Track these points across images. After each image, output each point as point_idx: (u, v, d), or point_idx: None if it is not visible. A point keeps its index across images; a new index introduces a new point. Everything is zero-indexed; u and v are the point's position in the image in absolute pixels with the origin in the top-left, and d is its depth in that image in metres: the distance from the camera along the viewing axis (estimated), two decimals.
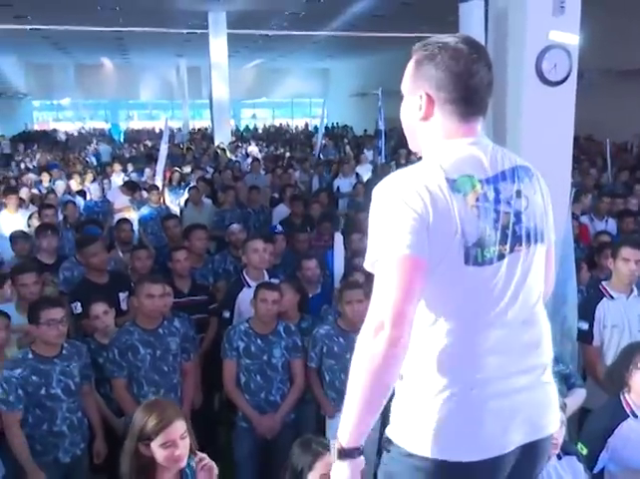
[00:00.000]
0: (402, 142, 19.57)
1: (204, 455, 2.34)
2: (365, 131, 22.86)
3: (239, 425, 3.48)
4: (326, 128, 28.06)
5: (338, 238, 4.37)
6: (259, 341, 3.46)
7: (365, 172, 11.20)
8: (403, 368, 1.41)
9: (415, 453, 1.41)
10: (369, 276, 4.08)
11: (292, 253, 5.10)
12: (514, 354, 1.46)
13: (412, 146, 1.58)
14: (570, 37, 3.72)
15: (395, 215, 1.35)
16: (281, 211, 7.10)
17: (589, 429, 2.63)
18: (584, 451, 2.52)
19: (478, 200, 1.40)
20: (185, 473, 2.27)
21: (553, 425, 1.56)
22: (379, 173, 10.12)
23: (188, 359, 3.58)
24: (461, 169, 1.42)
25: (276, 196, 8.17)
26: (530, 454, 1.51)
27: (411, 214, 1.34)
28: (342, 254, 4.37)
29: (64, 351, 3.19)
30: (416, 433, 1.42)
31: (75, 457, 3.17)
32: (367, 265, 1.42)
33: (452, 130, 1.47)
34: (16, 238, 5.15)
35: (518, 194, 1.47)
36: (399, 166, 12.71)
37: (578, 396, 3.04)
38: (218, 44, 16.34)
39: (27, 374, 3.03)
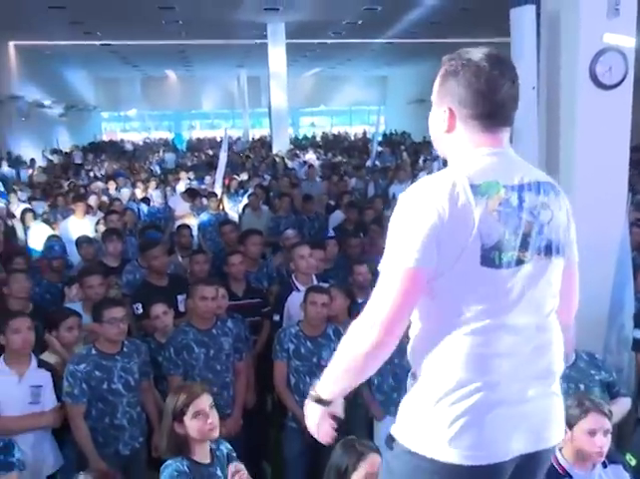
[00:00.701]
0: None
1: (241, 466, 2.46)
2: (424, 137, 22.73)
3: (289, 426, 3.56)
4: (384, 135, 28.14)
5: None
6: (309, 344, 3.54)
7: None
8: (416, 367, 1.49)
9: (417, 452, 1.44)
10: None
11: (344, 259, 5.17)
12: (525, 361, 1.47)
13: (440, 153, 1.62)
14: (626, 39, 3.65)
15: (410, 224, 1.40)
16: (337, 217, 7.18)
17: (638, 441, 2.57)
18: (633, 462, 2.47)
19: (500, 204, 1.43)
20: (217, 455, 2.40)
21: (557, 437, 1.55)
22: None
23: (241, 359, 3.70)
24: (485, 175, 1.45)
25: (332, 203, 8.25)
26: (530, 464, 1.52)
27: (426, 223, 1.38)
28: None
29: (124, 349, 3.37)
30: (420, 433, 1.45)
31: (134, 450, 3.33)
32: (381, 268, 1.46)
33: (475, 141, 1.50)
34: (81, 242, 5.44)
35: (544, 205, 1.49)
36: None
37: (622, 405, 2.97)
38: (277, 54, 16.66)
39: (90, 369, 3.22)
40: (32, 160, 17.21)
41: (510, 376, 1.45)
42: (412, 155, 17.28)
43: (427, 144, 18.81)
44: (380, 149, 18.02)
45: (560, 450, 2.45)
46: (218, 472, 2.43)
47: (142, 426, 3.40)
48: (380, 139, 26.34)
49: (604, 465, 2.39)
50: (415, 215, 1.40)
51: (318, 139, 28.83)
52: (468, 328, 1.43)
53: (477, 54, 1.49)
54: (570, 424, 2.39)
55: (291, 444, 3.54)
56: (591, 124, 3.74)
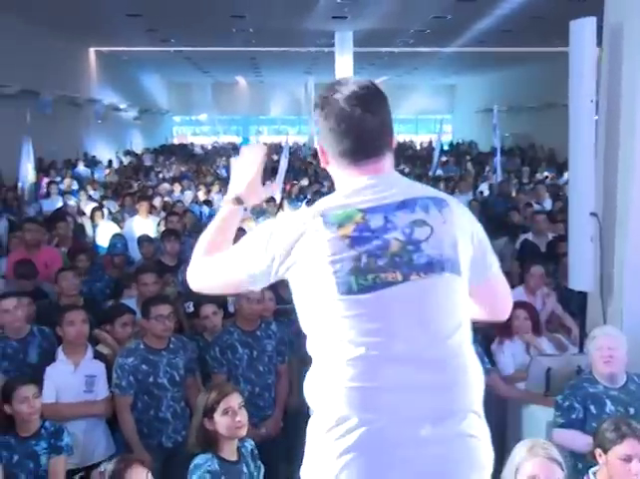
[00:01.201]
0: (525, 159, 18.88)
1: None
2: (492, 147, 22.33)
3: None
4: (450, 144, 27.80)
5: None
6: None
7: (487, 189, 11.01)
8: (308, 401, 1.45)
9: None
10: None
11: None
12: (415, 397, 1.34)
13: None
14: None
15: (257, 239, 1.46)
16: None
17: None
18: None
19: (355, 230, 1.37)
20: (242, 452, 2.46)
21: None
22: (496, 191, 9.90)
23: (283, 362, 3.77)
24: (344, 202, 1.42)
25: None
26: None
27: (267, 249, 1.42)
28: None
29: (171, 345, 3.50)
30: (310, 468, 1.42)
31: (177, 443, 3.44)
32: None
33: (347, 173, 1.48)
34: (142, 241, 5.68)
35: (418, 222, 1.41)
36: (521, 185, 12.30)
37: None
38: (344, 62, 16.79)
39: (138, 363, 3.37)
40: (110, 161, 18.03)
41: (397, 413, 1.33)
42: (477, 165, 17.01)
43: (492, 154, 18.52)
44: (445, 158, 17.85)
45: (595, 474, 2.38)
46: (245, 469, 2.50)
47: (185, 420, 3.51)
48: (446, 148, 26.17)
49: None
50: (263, 236, 1.44)
51: None
52: (344, 361, 1.35)
53: (342, 92, 1.45)
54: (605, 448, 2.32)
55: None
56: None
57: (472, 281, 1.48)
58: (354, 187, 1.45)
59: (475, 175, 14.35)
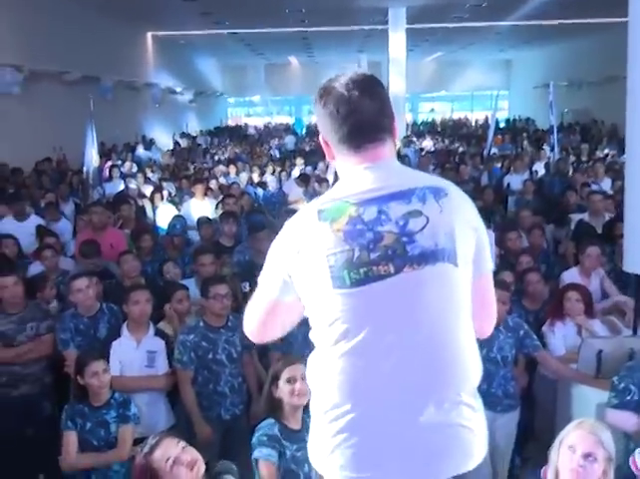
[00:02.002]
0: (585, 137, 18.26)
1: None
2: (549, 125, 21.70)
3: None
4: (507, 121, 27.11)
5: (490, 235, 4.37)
6: None
7: (542, 168, 10.78)
8: (310, 385, 1.54)
9: (319, 470, 1.51)
10: (519, 278, 4.07)
11: None
12: (409, 384, 1.39)
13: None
14: None
15: (272, 255, 1.53)
16: None
17: None
18: None
19: (348, 223, 1.40)
20: (307, 422, 2.59)
21: (451, 472, 1.43)
22: (552, 170, 9.69)
23: None
24: (338, 195, 1.45)
25: None
26: None
27: (279, 259, 1.49)
28: (493, 252, 4.37)
29: (229, 323, 3.67)
30: (312, 449, 1.53)
31: (234, 416, 3.63)
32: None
33: (349, 161, 1.50)
34: (201, 223, 5.90)
35: (413, 213, 1.42)
36: (579, 162, 11.95)
37: None
38: (397, 39, 16.60)
39: (198, 340, 3.55)
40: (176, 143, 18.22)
41: (388, 401, 1.39)
42: (533, 143, 16.59)
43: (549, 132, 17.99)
44: (500, 136, 17.48)
45: None
46: (307, 438, 2.64)
47: (242, 395, 3.70)
48: (502, 125, 25.55)
49: None
50: (276, 248, 1.52)
51: (437, 125, 28.40)
52: (338, 351, 1.41)
53: (339, 80, 1.49)
54: None
55: None
56: None
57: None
58: (351, 178, 1.48)
59: (531, 153, 14.04)
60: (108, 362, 3.35)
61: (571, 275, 4.53)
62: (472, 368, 1.47)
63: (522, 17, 16.94)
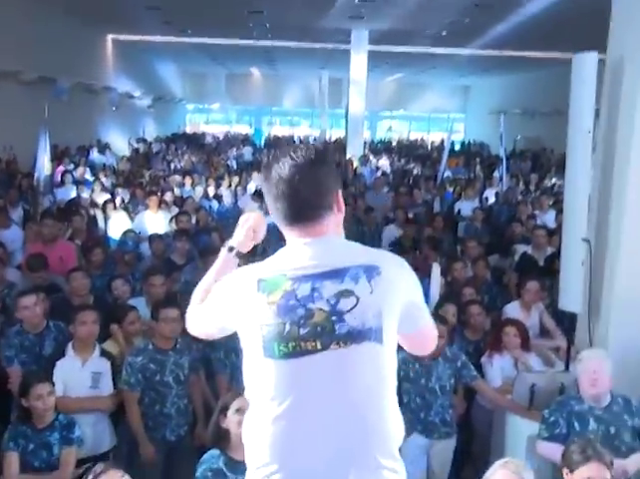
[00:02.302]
0: (535, 165, 18.92)
1: None
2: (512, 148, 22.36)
3: None
4: (462, 144, 27.83)
5: (436, 268, 4.56)
6: None
7: (492, 195, 11.10)
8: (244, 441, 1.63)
9: None
10: (462, 309, 4.26)
11: None
12: (328, 454, 1.48)
13: None
14: None
15: (217, 297, 1.64)
16: (390, 232, 7.34)
17: None
18: None
19: (282, 297, 1.49)
20: None
21: None
22: (501, 200, 10.03)
23: None
24: (278, 267, 1.54)
25: (391, 215, 8.39)
26: None
27: (222, 305, 1.61)
28: (438, 284, 4.56)
29: (177, 345, 3.71)
30: None
31: (179, 437, 3.67)
32: None
33: (289, 235, 1.58)
34: (153, 238, 5.90)
35: (345, 293, 1.49)
36: (528, 191, 12.40)
37: None
38: (359, 60, 16.88)
39: (146, 362, 3.58)
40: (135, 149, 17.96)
41: (311, 466, 1.48)
42: (486, 168, 17.10)
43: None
44: (455, 159, 17.93)
45: None
46: None
47: (187, 416, 3.74)
48: (458, 147, 26.20)
49: None
50: (219, 295, 1.63)
51: (394, 143, 28.89)
52: (269, 413, 1.50)
53: (279, 160, 1.53)
54: (572, 469, 2.51)
55: None
56: None
57: (402, 331, 1.60)
58: (291, 251, 1.56)
59: (483, 179, 14.47)
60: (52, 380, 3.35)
61: (512, 308, 4.74)
62: (393, 435, 1.56)
63: (481, 46, 17.51)
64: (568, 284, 4.01)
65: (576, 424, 3.23)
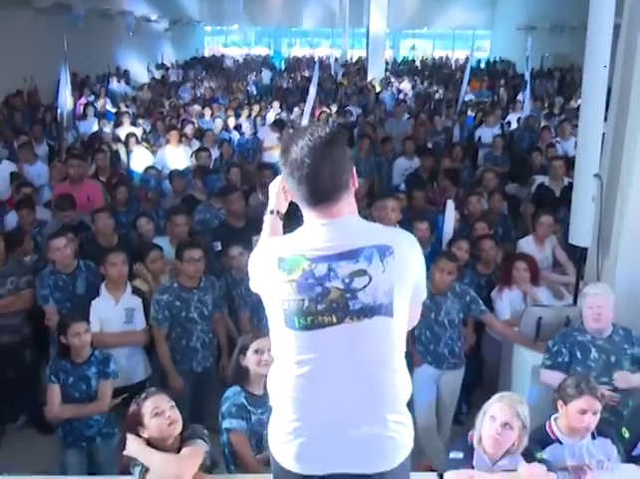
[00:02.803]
0: (562, 85, 18.27)
1: None
2: (532, 70, 21.56)
3: None
4: (487, 62, 26.89)
5: (450, 205, 4.64)
6: None
7: (515, 120, 10.86)
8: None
9: (273, 456, 1.84)
10: (474, 243, 4.38)
11: (409, 211, 5.43)
12: (343, 407, 1.70)
13: None
14: None
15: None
16: (400, 164, 7.31)
17: (634, 417, 2.85)
18: (627, 434, 2.77)
19: (301, 276, 1.65)
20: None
21: (374, 468, 1.73)
22: (522, 126, 9.85)
23: None
24: (297, 247, 1.68)
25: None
26: None
27: (256, 277, 1.78)
28: (452, 221, 4.65)
29: (201, 284, 3.92)
30: (273, 444, 1.84)
31: (205, 368, 3.94)
32: None
33: (307, 215, 1.71)
34: (174, 176, 6.05)
35: (359, 272, 1.64)
36: (551, 116, 12.08)
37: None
38: None
39: (172, 299, 3.81)
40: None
41: (327, 417, 1.71)
42: (511, 89, 16.64)
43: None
44: (478, 82, 17.41)
45: (555, 420, 2.78)
46: (268, 402, 2.93)
47: (212, 350, 4.00)
48: (483, 66, 25.33)
49: (593, 437, 2.71)
50: (251, 267, 1.80)
51: (418, 63, 28.07)
52: (288, 375, 1.73)
53: (298, 143, 1.63)
54: (566, 401, 2.70)
55: None
56: None
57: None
58: (308, 230, 1.70)
59: (506, 102, 14.13)
60: (88, 318, 3.61)
61: (526, 242, 4.84)
62: (400, 393, 1.77)
63: None
64: (579, 219, 4.09)
65: (578, 353, 3.39)
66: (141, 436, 2.52)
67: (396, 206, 4.65)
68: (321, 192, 1.66)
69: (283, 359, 1.75)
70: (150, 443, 2.50)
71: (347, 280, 1.65)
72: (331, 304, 1.65)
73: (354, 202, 1.75)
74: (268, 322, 1.78)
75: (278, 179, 1.96)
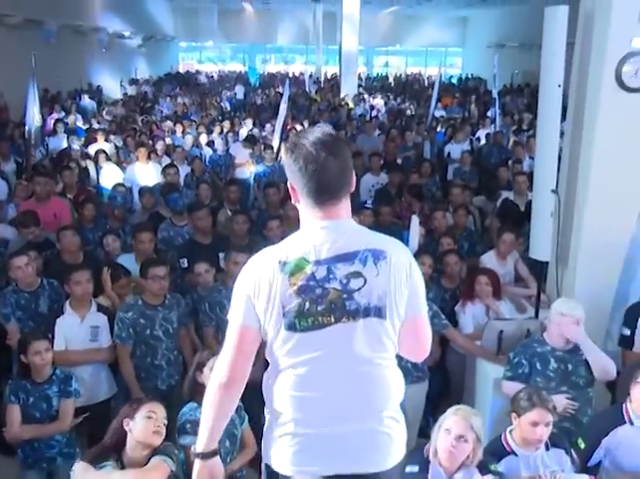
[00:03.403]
0: (531, 100, 18.66)
1: None
2: (504, 85, 21.98)
3: None
4: (459, 79, 27.36)
5: (414, 221, 4.70)
6: None
7: (484, 136, 11.05)
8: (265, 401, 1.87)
9: (268, 464, 1.86)
10: (440, 258, 4.41)
11: (377, 226, 5.50)
12: (340, 402, 1.75)
13: None
14: None
15: (238, 290, 1.79)
16: (367, 180, 7.29)
17: (591, 427, 2.92)
18: (582, 445, 2.83)
19: (303, 279, 1.70)
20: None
21: (373, 467, 1.78)
22: (491, 141, 10.05)
23: None
24: (298, 250, 1.73)
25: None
26: None
27: (244, 291, 1.76)
28: (417, 236, 4.71)
29: (166, 301, 3.92)
30: (268, 451, 1.86)
31: (170, 386, 3.92)
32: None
33: (310, 213, 1.76)
34: (143, 192, 6.04)
35: (354, 274, 1.72)
36: (519, 132, 12.31)
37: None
38: None
39: (136, 317, 3.80)
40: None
41: (325, 414, 1.75)
42: (481, 106, 16.92)
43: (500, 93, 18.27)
44: (450, 98, 17.68)
45: (510, 432, 2.83)
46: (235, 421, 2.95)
47: (178, 367, 3.98)
48: (455, 82, 25.76)
49: (547, 448, 2.77)
50: (240, 284, 1.78)
51: (391, 79, 28.42)
52: (284, 376, 1.78)
53: (308, 138, 1.71)
54: (519, 414, 2.76)
55: None
56: (612, 124, 3.86)
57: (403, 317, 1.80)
58: (308, 233, 1.75)
59: (477, 118, 14.37)
60: (52, 336, 3.58)
61: (488, 258, 4.93)
62: (393, 391, 1.83)
63: None
64: (538, 234, 4.19)
65: (538, 364, 3.43)
66: (124, 428, 2.61)
67: (363, 221, 4.70)
68: (332, 189, 1.72)
69: (282, 360, 1.77)
70: (121, 443, 2.59)
71: (344, 281, 1.72)
72: (330, 305, 1.72)
73: (350, 205, 1.81)
74: (261, 328, 1.77)
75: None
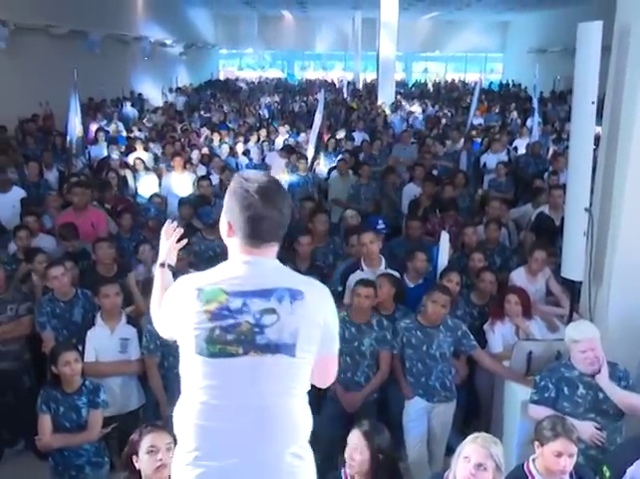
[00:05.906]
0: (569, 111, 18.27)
1: None
2: (541, 93, 21.64)
3: (328, 395, 4.06)
4: (500, 85, 27.01)
5: (444, 237, 4.66)
6: (353, 329, 3.98)
7: (522, 146, 10.83)
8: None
9: None
10: (475, 274, 4.30)
11: (406, 240, 5.47)
12: (242, 436, 1.73)
13: None
14: None
15: (166, 303, 1.90)
16: (410, 190, 7.32)
17: (616, 455, 2.84)
18: (607, 474, 2.76)
19: (217, 308, 1.74)
20: None
21: None
22: (530, 152, 9.84)
23: None
24: (217, 280, 1.77)
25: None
26: None
27: (171, 306, 1.86)
28: (446, 253, 4.68)
29: None
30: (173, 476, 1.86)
31: None
32: None
33: (239, 249, 1.81)
34: (182, 204, 6.14)
35: (269, 311, 1.75)
36: (559, 141, 12.06)
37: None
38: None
39: None
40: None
41: (227, 446, 1.74)
42: (521, 114, 16.63)
43: (542, 100, 17.91)
44: (486, 105, 17.42)
45: (534, 460, 2.78)
46: None
47: None
48: (496, 89, 25.45)
49: (571, 478, 2.71)
50: (168, 298, 1.89)
51: (430, 85, 28.24)
52: (193, 402, 1.77)
53: (254, 184, 1.77)
54: (542, 443, 2.71)
55: (326, 409, 4.02)
56: None
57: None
58: (230, 266, 1.80)
59: (518, 126, 14.09)
60: (81, 350, 3.68)
61: (518, 275, 4.84)
62: (300, 428, 1.83)
63: None
64: (571, 253, 4.10)
65: (565, 389, 3.37)
66: (134, 464, 2.59)
67: (374, 239, 4.67)
68: (264, 235, 1.79)
69: (190, 387, 1.79)
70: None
71: (257, 316, 1.75)
72: (240, 336, 1.74)
73: (277, 250, 1.85)
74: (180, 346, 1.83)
75: (164, 230, 2.16)
